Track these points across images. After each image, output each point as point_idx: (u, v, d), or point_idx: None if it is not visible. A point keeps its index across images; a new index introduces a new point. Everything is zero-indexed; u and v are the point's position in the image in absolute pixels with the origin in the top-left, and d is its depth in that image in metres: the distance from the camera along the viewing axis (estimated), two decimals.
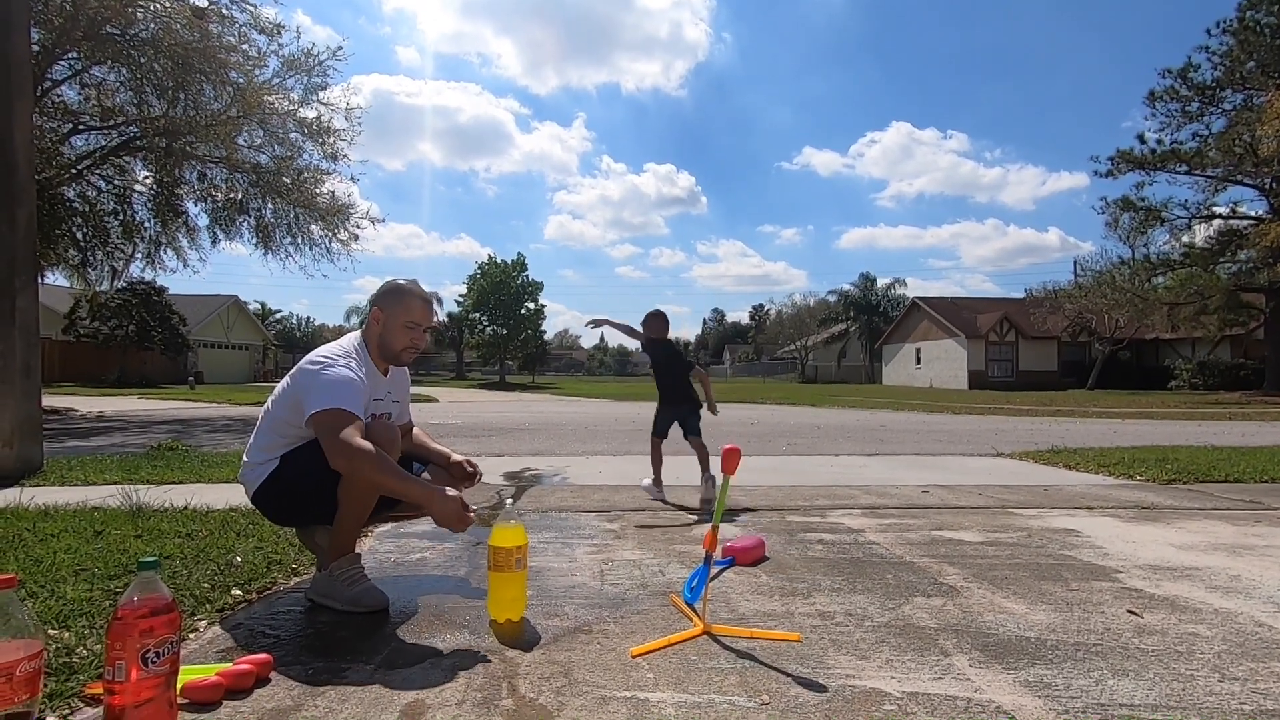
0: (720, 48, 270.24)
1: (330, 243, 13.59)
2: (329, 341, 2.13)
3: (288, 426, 1.99)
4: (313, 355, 2.01)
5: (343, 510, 1.95)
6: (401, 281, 2.14)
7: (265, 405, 2.09)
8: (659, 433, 4.09)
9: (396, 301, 2.09)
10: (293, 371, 2.03)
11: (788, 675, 1.53)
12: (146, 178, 13.16)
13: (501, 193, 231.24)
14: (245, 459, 2.06)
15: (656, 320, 4.09)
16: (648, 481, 3.97)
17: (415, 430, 2.36)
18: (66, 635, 1.65)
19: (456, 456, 2.26)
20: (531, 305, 40.49)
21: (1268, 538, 2.95)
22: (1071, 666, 1.58)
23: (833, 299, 52.26)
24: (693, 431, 4.04)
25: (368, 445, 1.83)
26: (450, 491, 1.83)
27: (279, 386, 2.07)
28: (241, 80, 11.14)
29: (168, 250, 14.10)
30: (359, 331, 2.14)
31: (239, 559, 2.36)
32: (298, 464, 1.97)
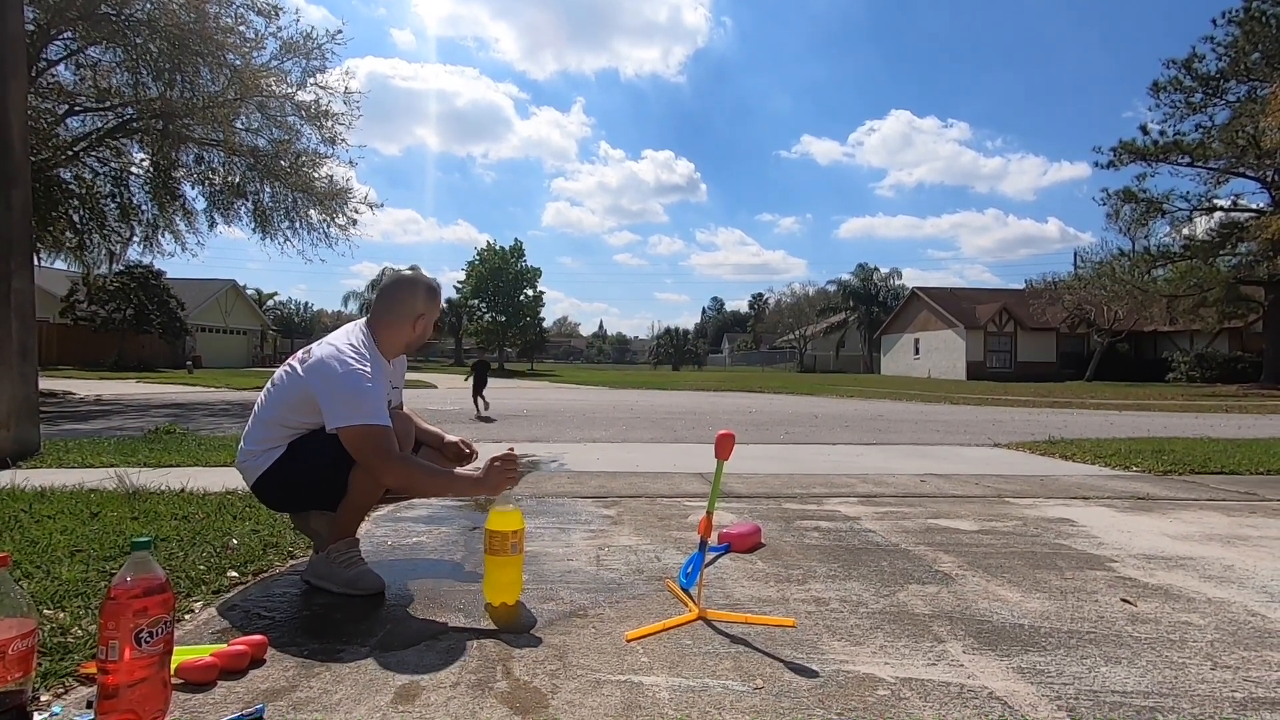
0: (720, 33, 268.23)
1: (328, 227, 13.56)
2: (326, 326, 2.12)
3: (295, 418, 1.96)
4: (328, 353, 1.91)
5: (353, 498, 1.94)
6: (408, 273, 2.12)
7: (264, 393, 2.04)
8: (477, 391, 10.51)
9: (409, 294, 2.06)
10: (308, 368, 1.93)
11: (782, 660, 1.53)
12: (143, 160, 13.09)
13: (500, 179, 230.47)
14: (244, 446, 2.02)
15: (482, 356, 11.64)
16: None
17: (404, 410, 2.31)
18: (61, 615, 1.65)
19: (450, 438, 2.26)
20: (530, 292, 40.45)
21: (1262, 528, 2.96)
22: (1065, 654, 1.59)
23: (832, 289, 52.34)
24: (481, 393, 10.37)
25: (413, 458, 1.94)
26: (483, 467, 1.90)
27: (281, 375, 2.01)
28: (239, 62, 11.06)
29: (165, 233, 14.05)
30: (363, 321, 2.09)
31: (235, 541, 2.36)
32: (306, 452, 1.95)
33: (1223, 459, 4.98)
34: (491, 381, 11.88)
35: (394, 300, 2.07)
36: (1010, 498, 3.61)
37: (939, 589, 2.07)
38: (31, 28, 9.41)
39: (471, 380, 10.82)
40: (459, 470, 2.00)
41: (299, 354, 2.04)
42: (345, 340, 1.98)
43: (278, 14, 11.38)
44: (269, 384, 2.06)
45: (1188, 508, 3.42)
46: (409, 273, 2.14)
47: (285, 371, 2.01)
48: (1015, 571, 2.26)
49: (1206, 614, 1.87)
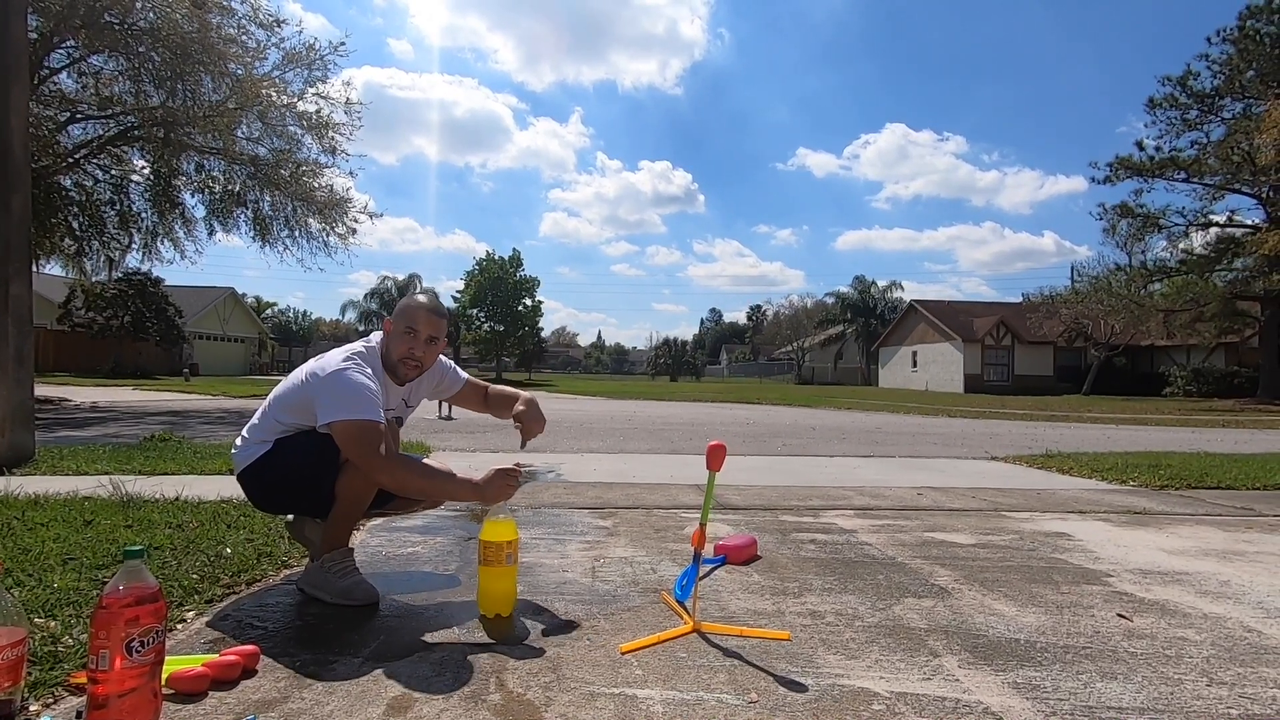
0: (717, 45, 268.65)
1: (328, 236, 13.56)
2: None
3: (288, 418, 1.99)
4: (331, 356, 1.99)
5: (341, 505, 1.95)
6: (415, 292, 2.19)
7: (271, 394, 2.08)
8: None
9: (400, 309, 2.10)
10: (310, 370, 1.99)
11: (776, 674, 1.53)
12: (144, 168, 13.11)
13: (498, 188, 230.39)
14: (244, 435, 2.05)
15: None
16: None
17: (491, 390, 2.41)
18: (52, 624, 1.64)
19: (522, 402, 2.31)
20: (529, 302, 40.44)
21: (1258, 544, 2.96)
22: (1060, 669, 1.58)
23: (830, 301, 52.41)
24: None
25: (409, 458, 1.94)
26: (483, 475, 1.91)
27: (289, 380, 2.06)
28: (241, 72, 11.10)
29: (165, 241, 14.05)
30: (378, 335, 2.13)
31: (229, 550, 2.34)
32: (290, 452, 1.96)
33: (1219, 474, 4.98)
34: None
35: (391, 317, 2.11)
36: (1007, 511, 3.61)
37: (935, 603, 2.06)
38: (35, 35, 9.45)
39: None
40: (458, 475, 1.99)
41: (314, 358, 2.09)
42: (352, 348, 2.05)
43: (280, 26, 11.45)
44: (281, 382, 2.11)
45: (1184, 522, 3.41)
46: (415, 294, 2.19)
47: (296, 373, 2.07)
48: (1011, 586, 2.26)
49: (1203, 630, 1.87)
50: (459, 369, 2.42)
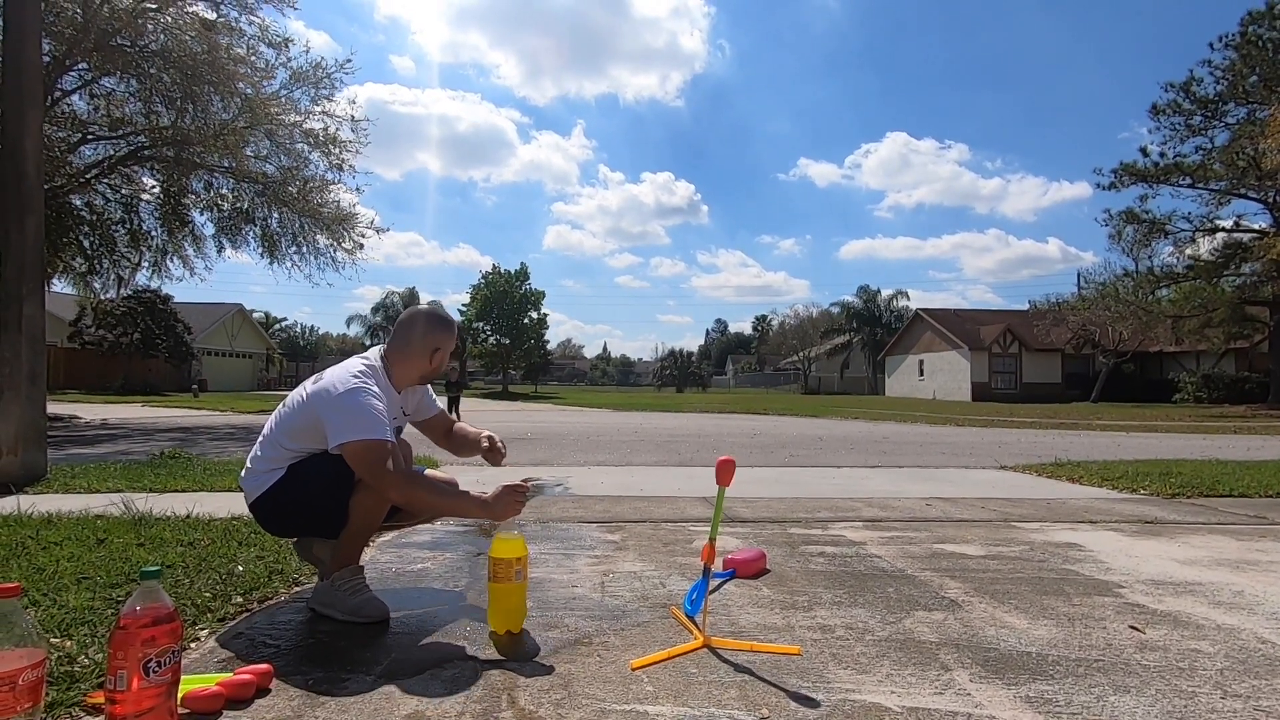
0: (717, 57, 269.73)
1: (335, 252, 13.66)
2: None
3: (295, 443, 1.98)
4: (335, 375, 1.99)
5: (354, 523, 1.96)
6: (426, 308, 2.21)
7: (275, 415, 2.07)
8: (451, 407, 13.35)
9: (427, 328, 2.13)
10: (314, 391, 1.99)
11: (787, 690, 1.53)
12: (154, 187, 13.26)
13: (501, 202, 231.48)
14: (249, 465, 2.05)
15: (456, 379, 15.59)
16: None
17: (455, 427, 2.44)
18: (68, 644, 1.66)
19: (485, 439, 2.38)
20: (534, 314, 40.60)
21: (1272, 553, 2.93)
22: (1073, 682, 1.58)
23: (835, 310, 52.41)
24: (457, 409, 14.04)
25: (419, 475, 1.99)
26: (492, 492, 1.93)
27: (292, 399, 2.05)
28: (250, 91, 11.24)
29: (174, 259, 14.19)
30: (377, 350, 2.13)
31: (240, 568, 2.36)
32: (306, 475, 1.96)
33: (1231, 481, 4.95)
34: (495, 404, 12.32)
35: (412, 333, 2.11)
36: (1017, 522, 3.59)
37: (945, 615, 2.05)
38: (48, 59, 9.61)
39: (447, 398, 14.06)
40: (467, 492, 2.00)
41: (312, 377, 2.09)
42: (355, 365, 2.04)
43: (288, 45, 11.58)
44: (281, 404, 2.10)
45: (1196, 531, 3.39)
46: (426, 308, 2.20)
47: (297, 394, 2.06)
48: (1022, 598, 2.25)
49: (1216, 641, 1.86)
50: (435, 397, 2.45)
